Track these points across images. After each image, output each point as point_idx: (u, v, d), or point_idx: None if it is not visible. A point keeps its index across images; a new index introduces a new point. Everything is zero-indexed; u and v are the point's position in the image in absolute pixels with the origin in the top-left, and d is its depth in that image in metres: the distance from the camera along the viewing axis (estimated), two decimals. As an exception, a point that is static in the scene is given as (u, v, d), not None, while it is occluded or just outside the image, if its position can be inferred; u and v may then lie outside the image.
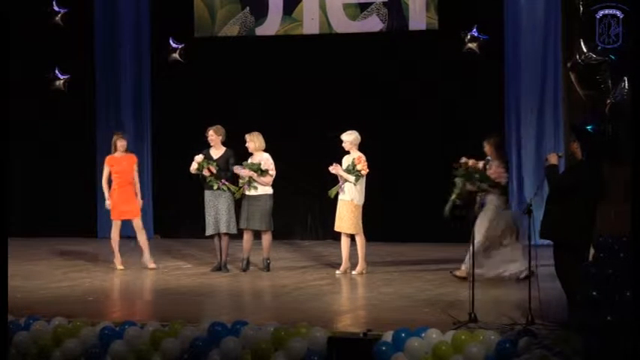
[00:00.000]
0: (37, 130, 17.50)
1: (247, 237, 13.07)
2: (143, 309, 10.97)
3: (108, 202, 13.34)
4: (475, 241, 11.13)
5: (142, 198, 13.68)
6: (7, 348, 8.79)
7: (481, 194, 11.94)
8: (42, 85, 17.45)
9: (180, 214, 14.85)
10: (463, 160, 12.03)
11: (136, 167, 13.44)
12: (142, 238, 13.35)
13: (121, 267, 13.32)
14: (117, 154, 13.41)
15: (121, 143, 13.37)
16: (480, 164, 11.98)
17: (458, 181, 11.95)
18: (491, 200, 12.01)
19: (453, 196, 11.95)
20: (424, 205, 15.94)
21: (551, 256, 9.36)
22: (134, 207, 13.35)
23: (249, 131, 13.16)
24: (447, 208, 12.01)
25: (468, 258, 11.53)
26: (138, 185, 13.43)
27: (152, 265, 13.36)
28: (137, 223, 13.37)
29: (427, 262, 13.99)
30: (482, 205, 11.99)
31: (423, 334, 8.43)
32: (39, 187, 17.63)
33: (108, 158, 13.50)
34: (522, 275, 11.60)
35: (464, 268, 11.84)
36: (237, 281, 12.52)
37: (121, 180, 13.31)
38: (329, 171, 12.84)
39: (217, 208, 12.98)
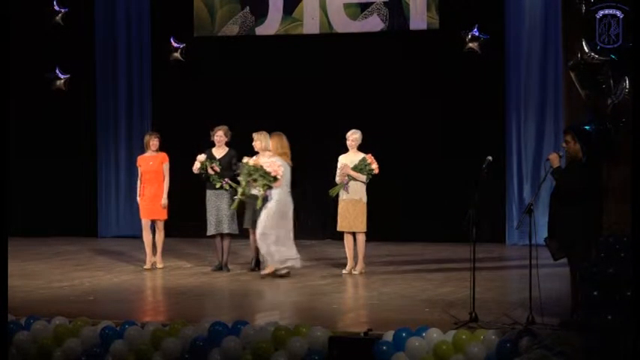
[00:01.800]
0: (37, 130, 17.49)
1: (254, 237, 13.03)
2: (144, 308, 10.96)
3: (138, 201, 13.42)
4: (267, 237, 12.25)
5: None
6: (7, 348, 8.80)
7: (264, 188, 12.40)
8: (42, 85, 17.45)
9: (182, 213, 14.82)
10: (245, 159, 12.55)
11: (165, 166, 13.32)
12: (158, 237, 13.36)
13: (148, 267, 13.32)
14: (147, 154, 13.42)
15: (152, 142, 13.36)
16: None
17: (242, 179, 12.47)
18: (275, 194, 12.40)
19: (239, 194, 12.55)
20: (424, 205, 15.95)
21: (550, 256, 9.37)
22: (158, 208, 13.29)
23: (249, 131, 13.13)
24: (234, 205, 12.68)
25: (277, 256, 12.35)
26: (165, 184, 13.30)
27: (159, 265, 13.40)
28: (158, 223, 13.36)
29: (427, 262, 14.00)
30: (266, 199, 12.45)
31: (424, 334, 8.43)
32: (39, 187, 17.62)
33: (138, 158, 13.59)
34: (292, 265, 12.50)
35: (269, 266, 12.44)
36: (238, 281, 12.52)
37: (148, 179, 13.30)
38: (328, 170, 12.83)
39: (219, 208, 12.96)
